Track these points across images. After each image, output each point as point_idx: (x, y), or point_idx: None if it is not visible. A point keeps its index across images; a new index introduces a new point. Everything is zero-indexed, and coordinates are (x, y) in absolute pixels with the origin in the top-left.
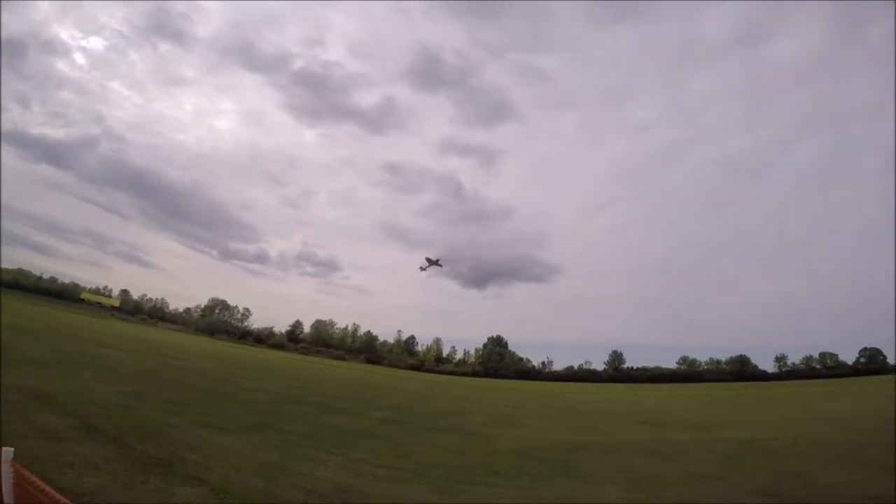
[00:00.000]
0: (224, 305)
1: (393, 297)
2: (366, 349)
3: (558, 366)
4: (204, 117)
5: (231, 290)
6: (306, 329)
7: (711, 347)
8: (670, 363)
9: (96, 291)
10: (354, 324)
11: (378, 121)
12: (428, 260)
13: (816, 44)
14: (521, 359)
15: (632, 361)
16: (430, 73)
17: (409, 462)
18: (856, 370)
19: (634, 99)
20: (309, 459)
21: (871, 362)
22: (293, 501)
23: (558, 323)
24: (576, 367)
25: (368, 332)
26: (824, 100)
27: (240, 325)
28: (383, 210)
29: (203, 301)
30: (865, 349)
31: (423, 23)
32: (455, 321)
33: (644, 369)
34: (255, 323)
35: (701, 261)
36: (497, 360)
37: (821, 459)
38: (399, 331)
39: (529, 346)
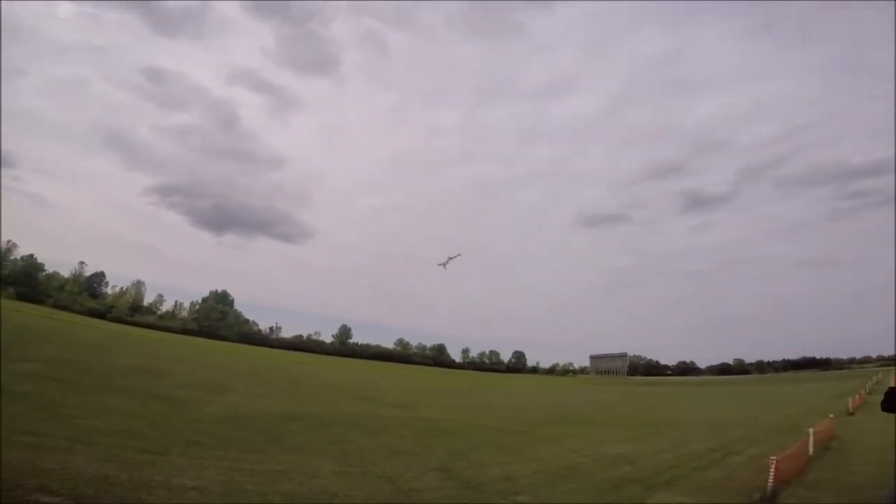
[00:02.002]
0: None
1: (84, 219)
2: (21, 280)
3: (287, 333)
4: None
5: None
6: None
7: (421, 333)
8: (389, 343)
9: None
10: (11, 242)
11: (173, 22)
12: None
13: (598, 108)
14: (246, 321)
15: (358, 337)
16: None
17: (68, 428)
18: (508, 367)
19: (444, 104)
20: None
21: (518, 362)
22: None
23: (296, 288)
24: (305, 336)
25: (32, 256)
26: (564, 154)
27: None
28: (116, 115)
29: None
30: (516, 351)
31: None
32: (172, 265)
33: (367, 346)
34: None
35: (435, 258)
36: (217, 319)
37: (477, 441)
38: (82, 263)
39: (259, 309)
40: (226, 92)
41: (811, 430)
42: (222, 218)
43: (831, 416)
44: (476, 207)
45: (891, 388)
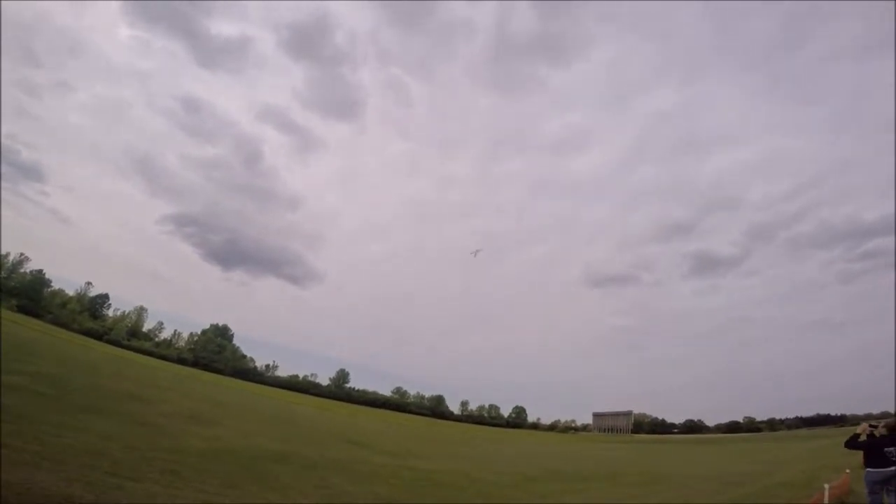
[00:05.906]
0: None
1: (98, 240)
2: (25, 293)
3: (284, 371)
4: None
5: None
6: None
7: (420, 383)
8: (387, 390)
9: None
10: (22, 254)
11: (215, 55)
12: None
13: (609, 165)
14: (244, 356)
15: (356, 382)
16: (309, 39)
17: (41, 444)
18: (507, 421)
19: (460, 154)
20: None
21: (518, 418)
22: None
23: (297, 328)
24: (301, 376)
25: (40, 272)
26: (574, 211)
27: None
28: (149, 139)
29: None
30: (516, 407)
31: None
32: (177, 294)
33: (364, 391)
34: None
35: (440, 308)
36: (214, 351)
37: (470, 494)
38: (88, 283)
39: (258, 344)
40: (253, 128)
41: (826, 486)
42: (233, 254)
43: (848, 470)
44: (484, 259)
45: (855, 434)
